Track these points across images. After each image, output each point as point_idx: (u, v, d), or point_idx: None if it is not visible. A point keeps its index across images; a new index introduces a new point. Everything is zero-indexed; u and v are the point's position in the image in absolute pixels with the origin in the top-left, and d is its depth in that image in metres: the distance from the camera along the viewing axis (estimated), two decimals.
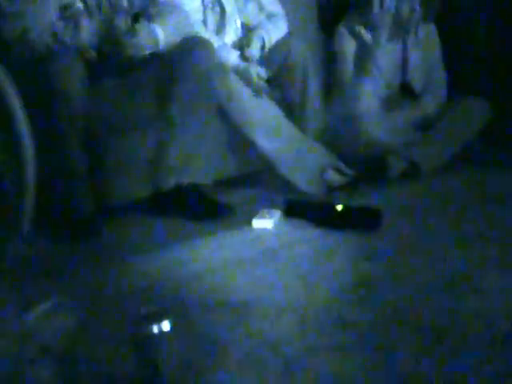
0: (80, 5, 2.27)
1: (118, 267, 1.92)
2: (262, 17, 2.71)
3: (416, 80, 2.84)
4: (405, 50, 2.84)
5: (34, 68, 2.14)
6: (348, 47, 2.79)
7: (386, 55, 2.80)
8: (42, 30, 2.16)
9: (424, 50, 2.86)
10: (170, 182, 2.32)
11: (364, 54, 2.78)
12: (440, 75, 2.89)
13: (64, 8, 2.24)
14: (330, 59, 2.86)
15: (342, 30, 2.81)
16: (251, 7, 2.69)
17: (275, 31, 2.67)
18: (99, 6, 2.28)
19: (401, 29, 2.81)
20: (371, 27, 2.78)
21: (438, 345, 1.40)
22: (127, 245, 2.11)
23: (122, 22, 2.18)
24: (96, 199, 2.26)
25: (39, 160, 2.06)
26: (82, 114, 2.14)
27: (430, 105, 2.82)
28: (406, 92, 2.87)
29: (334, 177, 2.47)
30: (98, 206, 2.27)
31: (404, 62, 2.85)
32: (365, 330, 1.48)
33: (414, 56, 2.85)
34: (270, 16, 2.71)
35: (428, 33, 2.88)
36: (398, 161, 2.61)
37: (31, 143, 2.03)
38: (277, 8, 2.74)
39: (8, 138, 2.03)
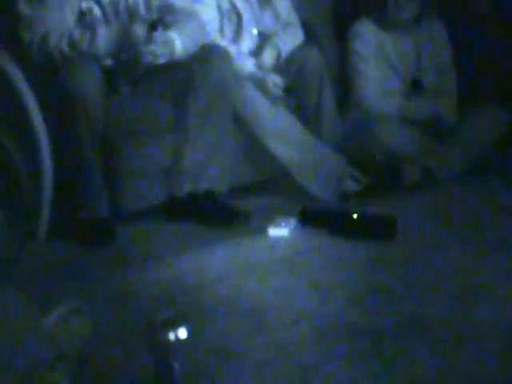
0: (98, 12, 2.28)
1: (133, 273, 1.92)
2: (278, 25, 2.71)
3: (427, 77, 2.83)
4: (417, 46, 2.83)
5: (51, 74, 2.16)
6: (362, 48, 2.78)
7: (400, 53, 2.80)
8: (59, 36, 2.18)
9: (435, 46, 2.86)
10: (186, 188, 2.32)
11: (378, 54, 2.78)
12: (452, 74, 2.87)
13: (82, 15, 2.26)
14: (345, 66, 2.85)
15: (356, 30, 2.80)
16: (267, 16, 2.70)
17: (291, 39, 2.68)
18: (117, 14, 2.29)
19: (412, 26, 2.81)
20: (385, 27, 2.78)
21: (454, 353, 1.39)
22: (142, 251, 2.11)
23: (140, 31, 2.19)
24: (111, 204, 2.27)
25: (56, 164, 2.08)
26: (98, 119, 2.16)
27: (443, 105, 2.80)
28: (416, 90, 2.86)
29: (349, 184, 2.47)
30: (113, 211, 2.28)
31: (416, 59, 2.84)
32: (380, 338, 1.48)
33: (426, 52, 2.84)
34: (286, 24, 2.72)
35: (437, 29, 2.87)
36: (414, 169, 2.60)
37: (48, 147, 2.05)
38: (293, 16, 2.75)
39: (26, 142, 2.05)
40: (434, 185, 2.60)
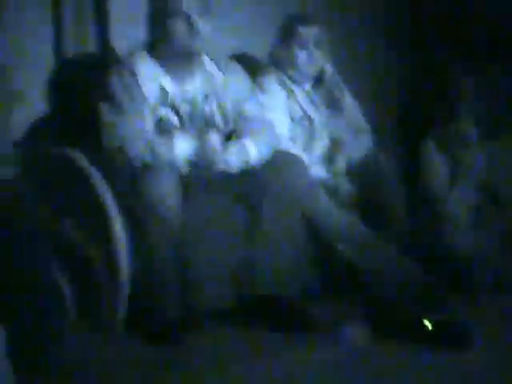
0: (175, 119, 2.36)
1: (198, 378, 1.91)
2: (349, 132, 2.75)
3: (505, 190, 2.80)
4: (491, 156, 2.83)
5: (130, 179, 2.23)
6: (436, 161, 2.79)
7: (476, 165, 2.80)
8: (137, 142, 2.25)
9: (509, 156, 2.84)
10: (255, 292, 2.33)
11: (455, 167, 2.79)
12: None
13: (159, 122, 2.35)
14: (413, 174, 2.87)
15: (430, 144, 2.83)
16: (338, 122, 2.75)
17: (361, 146, 2.72)
18: (192, 123, 2.37)
19: (487, 138, 2.81)
20: (459, 140, 2.80)
21: None
22: (210, 355, 2.10)
23: (214, 140, 2.27)
24: (182, 306, 2.29)
25: (132, 267, 2.14)
26: (174, 225, 2.21)
27: None
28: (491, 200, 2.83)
29: (414, 291, 2.43)
30: (184, 313, 2.30)
31: (492, 169, 2.83)
32: None
33: (501, 165, 2.82)
34: (357, 131, 2.76)
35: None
36: (488, 272, 2.55)
37: (126, 249, 2.11)
38: (363, 123, 2.80)
39: (104, 243, 2.12)
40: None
